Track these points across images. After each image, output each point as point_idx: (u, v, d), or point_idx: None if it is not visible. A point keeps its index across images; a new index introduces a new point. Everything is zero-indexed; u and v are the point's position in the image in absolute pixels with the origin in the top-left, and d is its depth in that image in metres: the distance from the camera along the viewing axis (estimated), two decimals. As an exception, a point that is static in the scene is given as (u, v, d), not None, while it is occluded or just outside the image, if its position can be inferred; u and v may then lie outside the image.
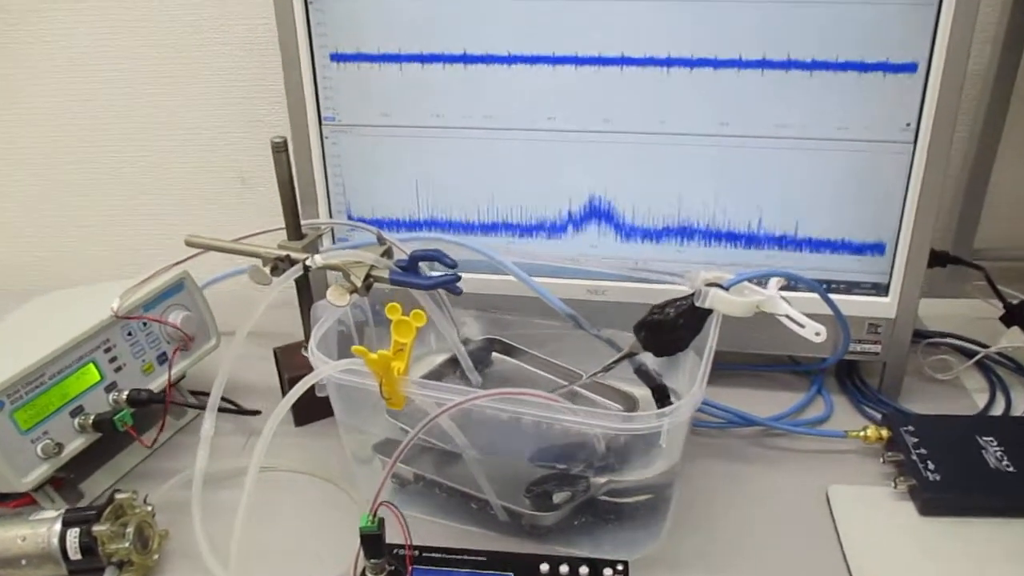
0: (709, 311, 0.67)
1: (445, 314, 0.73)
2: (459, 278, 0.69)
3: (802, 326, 0.67)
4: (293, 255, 0.73)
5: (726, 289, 0.68)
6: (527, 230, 0.83)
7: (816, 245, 0.78)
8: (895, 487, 0.70)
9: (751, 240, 0.79)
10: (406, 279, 0.69)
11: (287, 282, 0.70)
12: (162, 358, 0.77)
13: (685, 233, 0.80)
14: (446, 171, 0.82)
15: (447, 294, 0.71)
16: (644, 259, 0.81)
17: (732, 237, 0.79)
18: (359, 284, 0.68)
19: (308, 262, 0.70)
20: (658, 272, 0.74)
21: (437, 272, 0.70)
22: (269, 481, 0.75)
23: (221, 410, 0.73)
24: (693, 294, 0.67)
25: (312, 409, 0.80)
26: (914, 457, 0.71)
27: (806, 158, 0.75)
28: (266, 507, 0.70)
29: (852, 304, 0.78)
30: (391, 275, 0.69)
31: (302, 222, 0.79)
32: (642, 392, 0.75)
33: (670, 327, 0.67)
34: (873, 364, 0.85)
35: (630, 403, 0.75)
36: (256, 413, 0.80)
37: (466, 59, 0.76)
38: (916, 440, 0.73)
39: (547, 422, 0.58)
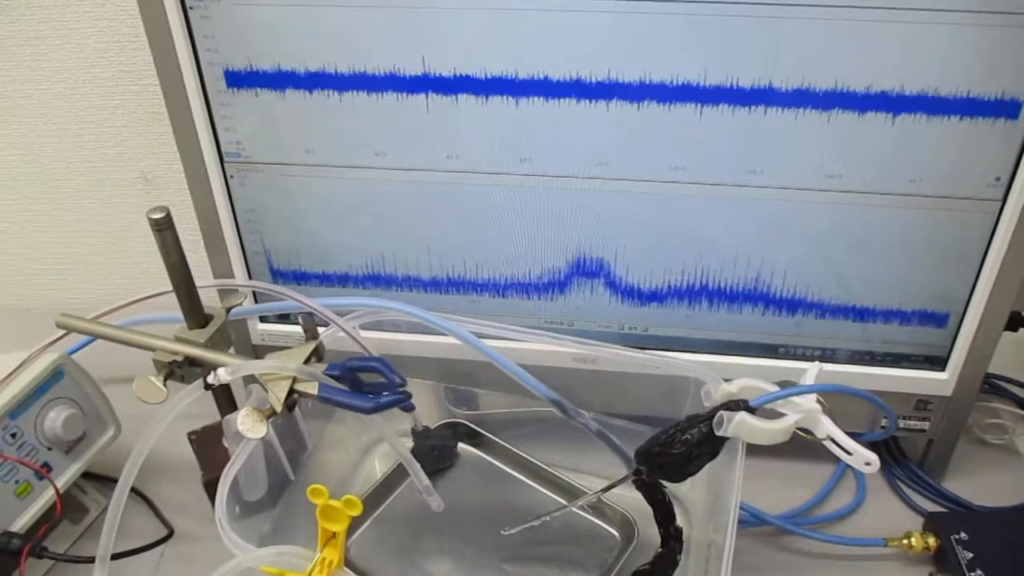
0: (727, 437, 0.55)
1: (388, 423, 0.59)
2: (409, 396, 0.55)
3: (849, 453, 0.55)
4: (193, 354, 0.58)
5: (754, 411, 0.55)
6: (498, 288, 0.68)
7: (862, 314, 0.64)
8: (946, 626, 0.60)
9: (780, 305, 0.65)
10: (341, 399, 0.54)
11: (187, 402, 0.56)
12: (46, 468, 0.63)
13: (697, 294, 0.65)
14: (393, 220, 0.66)
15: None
16: (644, 323, 0.68)
17: (756, 299, 0.65)
18: (279, 405, 0.54)
19: (210, 379, 0.55)
20: (662, 360, 0.61)
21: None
22: None
23: (117, 556, 0.61)
24: (709, 417, 0.54)
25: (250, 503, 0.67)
26: (970, 585, 0.61)
27: (860, 215, 0.60)
28: None
29: (899, 379, 0.66)
30: (321, 391, 0.55)
31: (207, 284, 0.64)
32: (637, 503, 0.61)
33: (681, 460, 0.54)
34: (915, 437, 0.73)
35: (627, 530, 0.63)
36: (166, 539, 0.67)
37: (418, 83, 0.59)
38: (971, 556, 0.62)
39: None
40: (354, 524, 0.65)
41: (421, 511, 0.62)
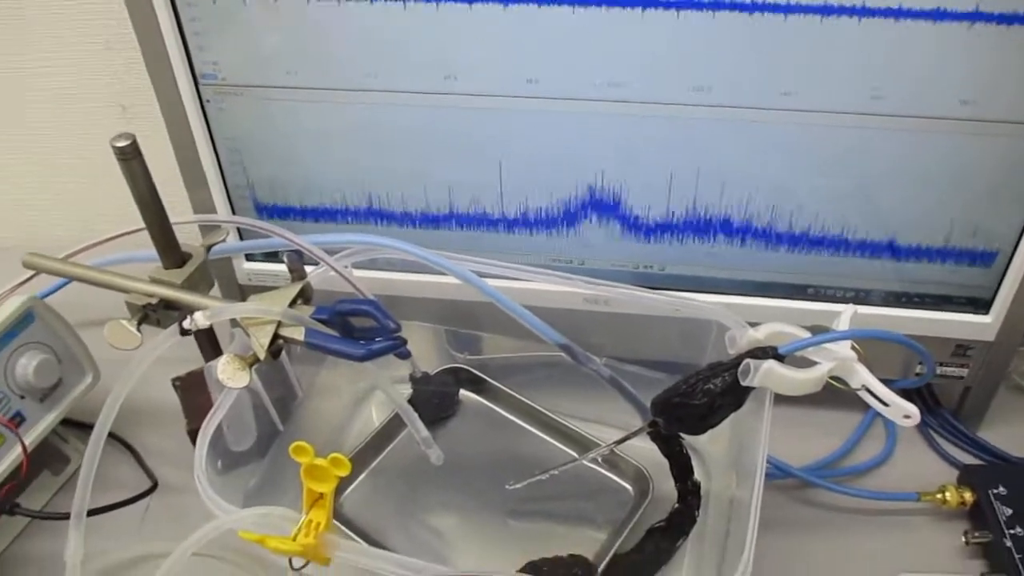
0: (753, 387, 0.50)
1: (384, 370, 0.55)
2: (404, 342, 0.50)
3: (886, 404, 0.50)
4: (169, 296, 0.54)
5: (782, 358, 0.50)
6: (501, 223, 0.62)
7: (900, 251, 0.59)
8: (985, 586, 0.57)
9: (809, 243, 0.59)
10: (330, 345, 0.50)
11: (163, 348, 0.52)
12: (18, 420, 0.59)
13: (718, 229, 0.60)
14: (387, 149, 0.60)
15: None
16: (661, 261, 0.63)
17: (783, 235, 0.59)
18: (263, 352, 0.50)
19: (187, 324, 0.51)
20: (681, 301, 0.56)
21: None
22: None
23: (95, 512, 0.58)
24: (734, 366, 0.50)
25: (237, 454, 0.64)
26: (1008, 543, 0.56)
27: (902, 141, 0.54)
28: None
29: (937, 323, 0.61)
30: (308, 337, 0.50)
31: (185, 220, 0.59)
32: (653, 455, 0.58)
33: (702, 411, 0.50)
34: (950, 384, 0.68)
35: (641, 484, 0.60)
36: (150, 492, 0.63)
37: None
38: (1010, 512, 0.58)
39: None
40: (349, 477, 0.61)
41: (420, 463, 0.58)
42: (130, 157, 0.50)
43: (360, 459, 0.62)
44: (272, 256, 0.66)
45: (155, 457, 0.67)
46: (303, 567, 0.43)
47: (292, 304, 0.52)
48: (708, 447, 0.63)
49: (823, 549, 0.60)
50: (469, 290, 0.57)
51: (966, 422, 0.67)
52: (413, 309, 0.66)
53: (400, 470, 0.62)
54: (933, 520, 0.61)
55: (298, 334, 0.50)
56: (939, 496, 0.60)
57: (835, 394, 0.70)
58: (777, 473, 0.63)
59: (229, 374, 0.49)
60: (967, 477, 0.61)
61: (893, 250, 0.59)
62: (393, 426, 0.63)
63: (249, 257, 0.67)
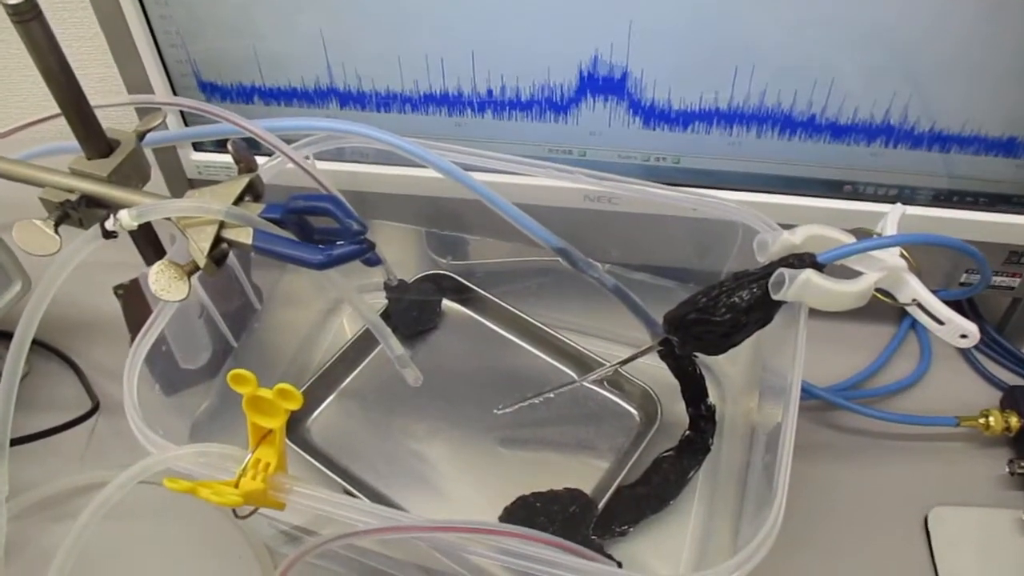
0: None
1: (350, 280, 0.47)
2: (371, 246, 0.42)
3: (940, 323, 0.43)
4: (91, 191, 0.45)
5: (822, 267, 0.43)
6: (491, 105, 0.53)
7: (951, 142, 0.50)
8: (1030, 519, 0.51)
9: (848, 130, 0.50)
10: (283, 249, 0.42)
11: (84, 253, 0.44)
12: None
13: (744, 117, 0.51)
14: (353, 14, 0.50)
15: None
16: (676, 152, 0.54)
17: (817, 122, 0.51)
18: (202, 258, 0.42)
19: (110, 224, 0.43)
20: (700, 199, 0.48)
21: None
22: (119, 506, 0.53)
23: (30, 438, 0.52)
24: (765, 276, 0.42)
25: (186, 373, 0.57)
26: (1060, 472, 0.51)
27: (959, 7, 0.44)
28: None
29: (991, 226, 0.53)
30: (256, 240, 0.42)
31: (112, 103, 0.49)
32: (662, 375, 0.51)
33: (725, 329, 0.43)
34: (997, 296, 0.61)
35: (648, 408, 0.53)
36: (90, 415, 0.56)
37: None
38: (1063, 439, 0.53)
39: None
40: (316, 398, 0.55)
41: (397, 383, 0.52)
42: (28, 18, 0.40)
43: (329, 377, 0.55)
44: (224, 145, 0.58)
45: (101, 375, 0.60)
46: (250, 515, 0.37)
47: (238, 201, 0.44)
48: (725, 367, 0.56)
49: (851, 479, 0.54)
50: (452, 185, 0.49)
51: (1012, 339, 0.60)
52: (387, 208, 0.58)
53: (375, 391, 0.55)
54: (973, 447, 0.55)
55: (244, 237, 0.42)
56: (981, 421, 0.54)
57: (864, 306, 0.65)
58: (803, 396, 0.55)
59: (163, 285, 0.41)
60: (1013, 399, 0.55)
61: (942, 140, 0.50)
62: (366, 340, 0.56)
63: (197, 147, 0.58)
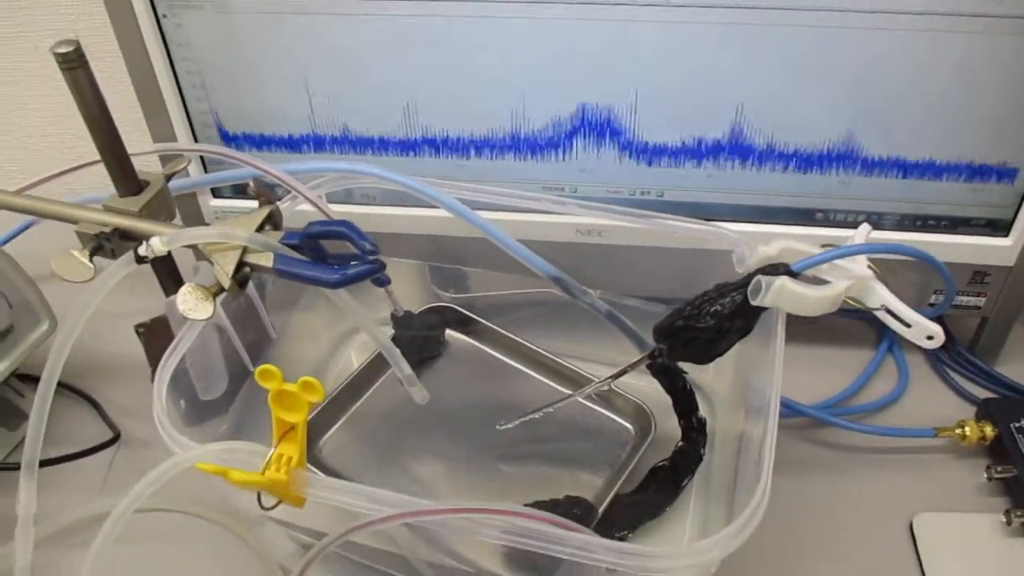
0: (764, 308, 0.47)
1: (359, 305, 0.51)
2: (382, 267, 0.46)
3: (908, 325, 0.47)
4: (124, 226, 0.49)
5: (796, 275, 0.47)
6: (485, 147, 0.58)
7: (915, 169, 0.55)
8: (1008, 523, 0.53)
9: (818, 160, 0.55)
10: (301, 271, 0.46)
11: (118, 278, 0.48)
12: (-37, 369, 0.55)
13: (721, 150, 0.56)
14: (363, 68, 0.56)
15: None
16: (659, 186, 0.59)
17: (790, 155, 0.55)
18: (227, 279, 0.46)
19: (143, 250, 0.47)
20: (684, 225, 0.52)
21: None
22: (137, 532, 0.53)
23: (52, 462, 0.54)
24: (744, 284, 0.46)
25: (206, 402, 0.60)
26: (1034, 476, 0.54)
27: (916, 43, 0.50)
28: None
29: (954, 247, 0.57)
30: (277, 263, 0.46)
31: (144, 151, 0.54)
32: (654, 392, 0.54)
33: (710, 335, 0.47)
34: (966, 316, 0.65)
35: (642, 423, 0.56)
36: (112, 443, 0.59)
37: None
38: (1035, 445, 0.56)
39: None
40: (326, 422, 0.58)
41: (404, 406, 0.55)
42: (75, 66, 0.45)
43: (338, 403, 0.58)
44: (241, 191, 0.62)
45: (120, 411, 0.63)
46: (274, 507, 0.39)
47: (259, 229, 0.48)
48: (712, 384, 0.59)
49: (838, 490, 0.57)
50: (454, 223, 0.53)
51: (983, 357, 0.64)
52: (394, 245, 0.61)
53: (382, 414, 0.58)
54: (952, 457, 0.58)
55: (266, 260, 0.46)
56: (958, 431, 0.57)
57: (843, 332, 0.68)
58: (786, 412, 0.59)
59: (191, 304, 0.45)
60: (987, 411, 0.58)
61: (905, 167, 0.55)
62: (374, 368, 0.59)
63: (216, 193, 0.62)
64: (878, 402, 0.62)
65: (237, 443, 0.40)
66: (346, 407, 0.58)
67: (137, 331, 0.63)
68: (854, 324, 0.68)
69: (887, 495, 0.56)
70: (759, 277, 0.45)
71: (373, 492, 0.38)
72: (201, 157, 0.60)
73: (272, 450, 0.39)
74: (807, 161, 0.55)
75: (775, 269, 0.46)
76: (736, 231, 0.50)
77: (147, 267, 0.51)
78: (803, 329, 0.52)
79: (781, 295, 0.45)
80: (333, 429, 0.57)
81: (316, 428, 0.56)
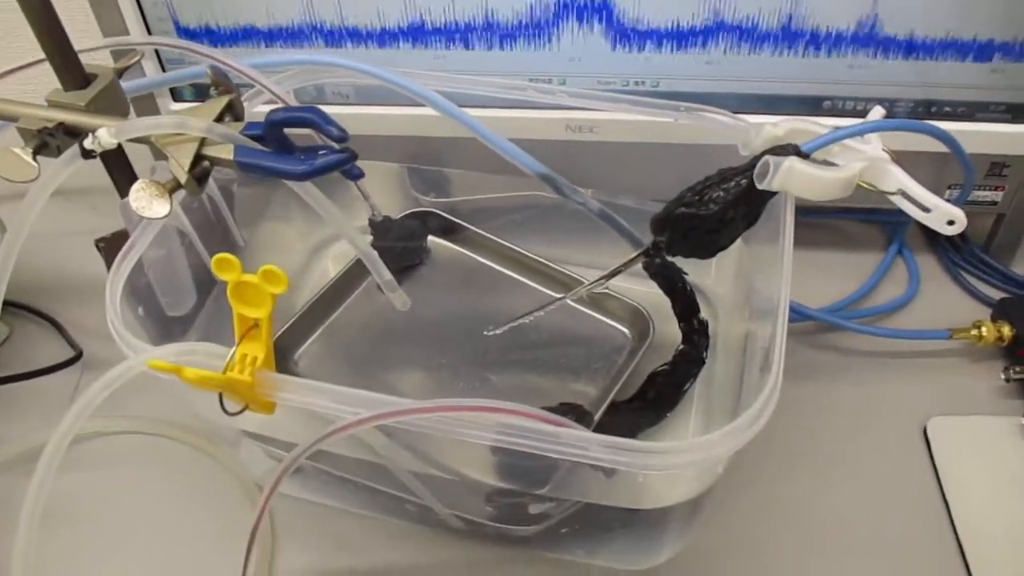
0: (772, 192, 0.43)
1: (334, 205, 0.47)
2: (354, 156, 0.42)
3: (926, 210, 0.43)
4: (70, 120, 0.45)
5: (806, 156, 0.43)
6: (466, 35, 0.53)
7: (928, 49, 0.51)
8: (1029, 423, 0.51)
9: (825, 41, 0.51)
10: (264, 162, 0.42)
11: (63, 175, 0.44)
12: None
13: (720, 32, 0.52)
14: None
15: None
16: (654, 75, 0.55)
17: (794, 37, 0.51)
18: (183, 174, 0.42)
19: (88, 143, 0.42)
20: (689, 109, 0.48)
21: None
22: (100, 452, 0.53)
23: (11, 379, 0.52)
24: (750, 167, 0.42)
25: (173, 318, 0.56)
26: (1055, 376, 0.51)
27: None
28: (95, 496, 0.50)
29: (971, 135, 0.52)
30: (238, 155, 0.42)
31: (91, 47, 0.50)
32: (652, 296, 0.52)
33: (712, 224, 0.43)
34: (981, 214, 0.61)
35: (639, 326, 0.53)
36: (74, 361, 0.56)
37: None
38: (1055, 343, 0.53)
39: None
40: (301, 334, 0.55)
41: (384, 316, 0.53)
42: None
43: (314, 314, 0.54)
44: (204, 93, 0.57)
45: (83, 331, 0.59)
46: (239, 413, 0.36)
47: (218, 120, 0.44)
48: (712, 287, 0.56)
49: (848, 395, 0.54)
50: (435, 122, 0.49)
51: (998, 256, 0.60)
52: (369, 148, 0.57)
53: (361, 325, 0.54)
54: (967, 360, 0.55)
55: (226, 152, 0.42)
56: (974, 332, 0.54)
57: (849, 234, 0.65)
58: (793, 316, 0.56)
59: (144, 202, 0.41)
60: (1003, 311, 0.55)
61: (916, 47, 0.51)
62: (351, 277, 0.55)
63: (176, 96, 0.58)
64: (888, 305, 0.59)
65: (195, 344, 0.37)
66: (322, 318, 0.54)
67: (97, 246, 0.59)
68: (860, 227, 0.65)
69: (899, 399, 0.53)
70: (767, 158, 0.41)
71: (347, 392, 0.35)
72: (158, 56, 0.56)
73: (234, 348, 0.36)
74: (813, 41, 0.51)
75: (783, 150, 0.42)
76: (749, 121, 0.46)
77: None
78: (808, 233, 0.49)
79: (790, 177, 0.41)
80: (309, 341, 0.53)
81: (290, 341, 0.53)
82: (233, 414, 0.36)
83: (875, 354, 0.56)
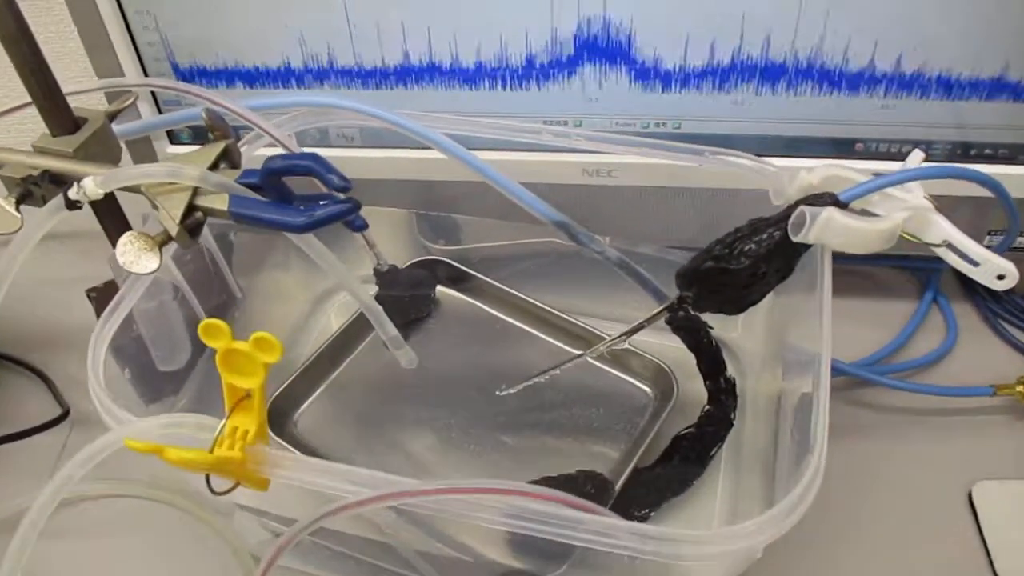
0: (807, 245, 0.40)
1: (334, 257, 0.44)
2: (357, 207, 0.40)
3: (975, 264, 0.40)
4: (56, 168, 0.43)
5: (844, 206, 0.40)
6: (479, 76, 0.51)
7: (970, 87, 0.48)
8: (1082, 489, 0.47)
9: (858, 81, 0.48)
10: (261, 213, 0.39)
11: (47, 227, 0.41)
12: None
13: (748, 72, 0.49)
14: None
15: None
16: (677, 116, 0.52)
17: (825, 76, 0.48)
18: (174, 226, 0.39)
19: (73, 193, 0.40)
20: (714, 153, 0.45)
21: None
22: (86, 516, 0.50)
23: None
24: (784, 218, 0.40)
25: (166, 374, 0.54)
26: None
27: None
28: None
29: (1013, 179, 0.48)
30: (234, 205, 0.39)
31: (83, 89, 0.47)
32: (675, 352, 0.49)
33: (744, 279, 0.40)
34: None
35: (662, 385, 0.50)
36: (60, 420, 0.52)
37: None
38: (1109, 402, 0.49)
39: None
40: (302, 393, 0.51)
41: (390, 373, 0.49)
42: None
43: (315, 371, 0.51)
44: (203, 136, 0.55)
45: (74, 386, 0.56)
46: (229, 491, 0.33)
47: (213, 168, 0.41)
48: (740, 342, 0.53)
49: (887, 458, 0.50)
50: (442, 165, 0.47)
51: (1039, 305, 0.58)
52: (375, 193, 0.55)
53: (365, 383, 0.52)
54: (1012, 418, 0.52)
55: (220, 203, 0.39)
56: (1019, 388, 0.51)
57: (881, 281, 0.61)
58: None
59: (132, 256, 0.38)
60: (1050, 364, 0.53)
61: (955, 85, 0.48)
62: (356, 331, 0.52)
63: (173, 139, 0.55)
64: (925, 358, 0.55)
65: (183, 415, 0.34)
66: (324, 375, 0.51)
67: (89, 296, 0.56)
68: (891, 272, 0.62)
69: (942, 462, 0.50)
70: (802, 208, 0.38)
71: (348, 471, 0.32)
72: (155, 98, 0.53)
73: (221, 422, 0.33)
74: (844, 80, 0.48)
75: (820, 199, 0.39)
76: (778, 165, 0.43)
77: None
78: (836, 279, 0.46)
79: (828, 229, 0.38)
80: (309, 401, 0.50)
81: (289, 400, 0.50)
82: (221, 493, 0.33)
83: (914, 411, 0.52)
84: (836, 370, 0.53)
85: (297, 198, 0.41)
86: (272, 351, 0.31)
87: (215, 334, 0.31)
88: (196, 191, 0.39)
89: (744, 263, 0.39)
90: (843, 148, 0.52)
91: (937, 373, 0.56)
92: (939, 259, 0.42)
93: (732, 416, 0.47)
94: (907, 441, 0.51)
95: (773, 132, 0.51)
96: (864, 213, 0.42)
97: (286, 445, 0.46)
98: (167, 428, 0.34)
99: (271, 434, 0.45)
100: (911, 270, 0.62)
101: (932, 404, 0.53)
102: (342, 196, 0.39)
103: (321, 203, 0.39)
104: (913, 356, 0.56)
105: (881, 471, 0.50)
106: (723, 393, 0.47)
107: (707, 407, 0.47)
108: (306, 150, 0.44)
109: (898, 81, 0.48)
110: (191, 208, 0.39)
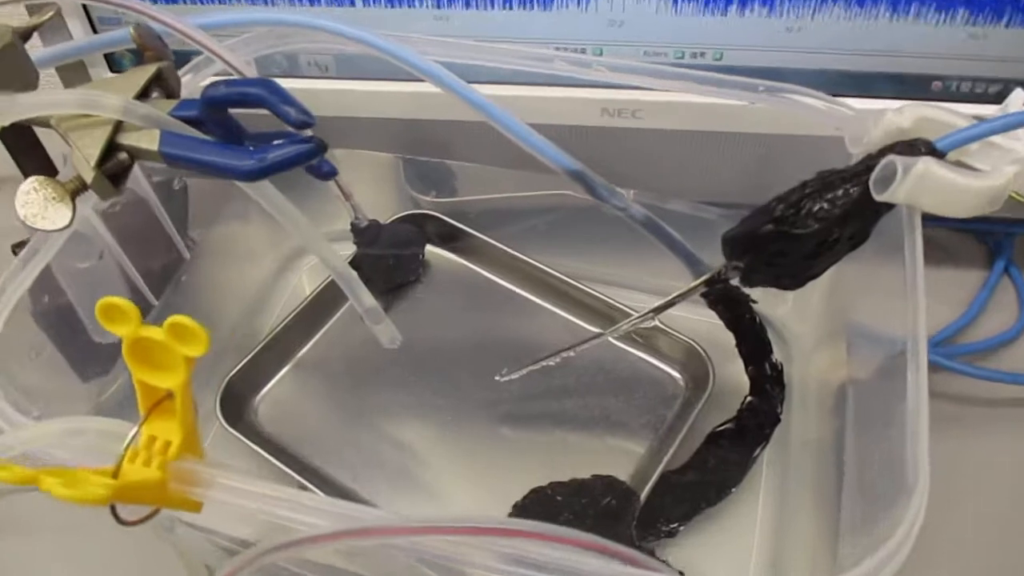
0: (891, 205, 0.33)
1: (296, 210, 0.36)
2: (322, 148, 0.32)
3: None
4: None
5: (942, 156, 0.32)
6: (479, -6, 0.43)
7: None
8: None
9: (942, 2, 0.40)
10: (199, 155, 0.31)
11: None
12: None
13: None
14: None
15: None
16: (717, 44, 0.44)
17: (900, -2, 0.41)
18: (89, 171, 0.31)
19: (-35, 125, 0.32)
20: (771, 90, 0.37)
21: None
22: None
23: None
24: (866, 169, 0.32)
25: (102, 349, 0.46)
26: None
27: None
28: None
29: None
30: (164, 145, 0.31)
31: (-3, -1, 0.39)
32: (709, 328, 0.41)
33: (811, 247, 0.32)
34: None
35: (695, 371, 0.42)
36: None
37: None
38: None
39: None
40: (264, 373, 0.44)
41: (370, 349, 0.41)
42: None
43: (280, 346, 0.44)
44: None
45: None
46: (145, 519, 0.26)
47: (142, 96, 0.33)
48: (787, 320, 0.45)
49: (958, 454, 0.42)
50: (434, 100, 0.39)
51: None
52: (354, 135, 0.47)
53: (341, 361, 0.44)
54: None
55: (149, 142, 0.31)
56: (1114, 378, 0.44)
57: (940, 245, 0.52)
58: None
59: (37, 207, 0.30)
60: None
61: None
62: (331, 296, 0.45)
63: (114, 67, 0.47)
64: (996, 338, 0.48)
65: (91, 420, 0.27)
66: (292, 350, 0.44)
67: (14, 251, 0.49)
68: (954, 236, 0.53)
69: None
70: (892, 158, 0.30)
71: (299, 497, 0.25)
72: (87, 12, 0.45)
73: (132, 430, 0.25)
74: (928, 2, 0.40)
75: (913, 148, 0.31)
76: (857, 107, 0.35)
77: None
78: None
79: (923, 185, 0.30)
80: (274, 381, 0.43)
81: (249, 381, 0.43)
82: (132, 523, 0.26)
83: (981, 401, 0.45)
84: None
85: (250, 137, 0.34)
86: (194, 342, 0.23)
87: (116, 317, 0.23)
88: (119, 126, 0.32)
89: (814, 227, 0.31)
90: (917, 87, 0.43)
91: (1009, 356, 0.47)
92: (1014, 221, 0.35)
93: (779, 410, 0.39)
94: (991, 435, 0.44)
95: (832, 66, 0.43)
96: (959, 166, 0.34)
97: (242, 438, 0.39)
98: (71, 436, 0.26)
99: (224, 423, 0.39)
100: (977, 233, 0.54)
101: (1003, 392, 0.45)
102: (303, 135, 0.32)
103: (275, 143, 0.31)
104: (983, 336, 0.48)
105: (967, 470, 0.42)
106: (769, 381, 0.39)
107: (749, 398, 0.39)
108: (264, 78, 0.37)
109: (993, 3, 0.40)
110: (113, 147, 0.32)
